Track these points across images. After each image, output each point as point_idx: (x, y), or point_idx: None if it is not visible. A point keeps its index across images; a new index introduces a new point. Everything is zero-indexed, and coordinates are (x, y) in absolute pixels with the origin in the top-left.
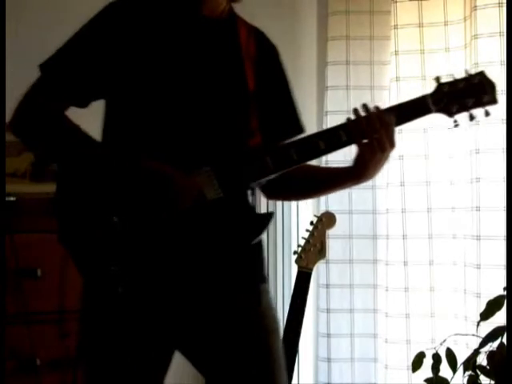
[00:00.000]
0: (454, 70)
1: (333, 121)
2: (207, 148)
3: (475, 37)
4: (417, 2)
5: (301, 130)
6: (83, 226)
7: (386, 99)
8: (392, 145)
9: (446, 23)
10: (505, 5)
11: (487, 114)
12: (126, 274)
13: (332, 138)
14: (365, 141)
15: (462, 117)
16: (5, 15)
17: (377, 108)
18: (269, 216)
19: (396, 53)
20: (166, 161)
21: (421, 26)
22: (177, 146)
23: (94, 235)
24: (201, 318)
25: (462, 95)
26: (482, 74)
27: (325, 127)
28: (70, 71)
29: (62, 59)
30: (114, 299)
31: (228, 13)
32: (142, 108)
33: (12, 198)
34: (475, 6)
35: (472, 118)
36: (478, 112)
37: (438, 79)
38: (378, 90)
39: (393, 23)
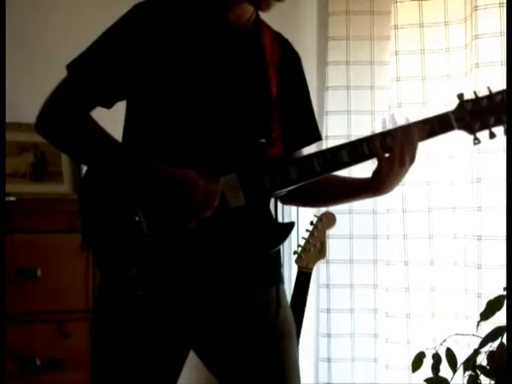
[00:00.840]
0: (455, 70)
1: (333, 121)
2: (229, 154)
3: (476, 37)
4: (417, 2)
5: (318, 137)
6: (107, 228)
7: (387, 99)
8: (412, 160)
9: (446, 23)
10: (505, 5)
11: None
12: (146, 276)
13: (355, 151)
14: (386, 155)
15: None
16: (5, 14)
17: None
18: (290, 225)
19: (396, 53)
20: (187, 165)
21: (421, 26)
22: (199, 150)
23: (117, 237)
24: (217, 320)
25: (484, 113)
26: (504, 93)
27: (325, 127)
28: (96, 72)
29: (88, 60)
30: (134, 301)
31: (254, 20)
32: (166, 112)
33: (12, 198)
34: (476, 6)
35: (492, 135)
36: (498, 130)
37: (460, 96)
38: (378, 90)
39: (393, 23)
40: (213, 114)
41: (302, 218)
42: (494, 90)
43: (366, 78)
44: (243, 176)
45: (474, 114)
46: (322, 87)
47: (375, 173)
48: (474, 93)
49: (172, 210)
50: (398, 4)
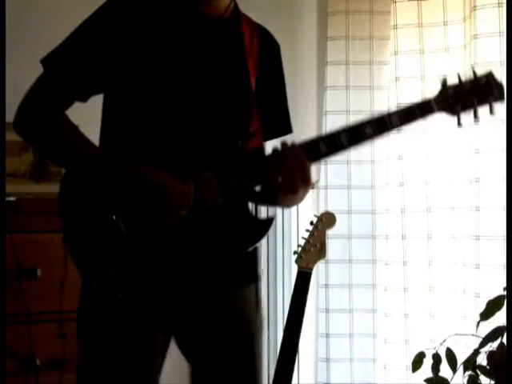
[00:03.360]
0: (454, 70)
1: (332, 121)
2: (208, 150)
3: (475, 37)
4: (416, 2)
5: (290, 130)
6: (85, 231)
7: (386, 99)
8: (305, 183)
9: (445, 23)
10: (504, 5)
11: (492, 111)
12: (125, 278)
13: (356, 134)
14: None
15: (467, 116)
16: (5, 15)
17: (293, 144)
18: (269, 221)
19: (396, 53)
20: (166, 163)
21: (420, 26)
22: (177, 147)
23: (95, 238)
24: (194, 320)
25: (466, 95)
26: (489, 76)
27: (324, 127)
28: (70, 65)
29: (63, 53)
30: (114, 303)
31: (232, 11)
32: (142, 108)
33: (12, 198)
34: (475, 6)
35: (477, 116)
36: (483, 110)
37: (444, 82)
38: (377, 90)
39: (392, 23)
40: (191, 108)
41: (302, 217)
42: (480, 73)
43: (366, 77)
44: (221, 174)
45: (456, 98)
46: (322, 87)
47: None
48: (458, 76)
49: (148, 212)
50: (398, 4)
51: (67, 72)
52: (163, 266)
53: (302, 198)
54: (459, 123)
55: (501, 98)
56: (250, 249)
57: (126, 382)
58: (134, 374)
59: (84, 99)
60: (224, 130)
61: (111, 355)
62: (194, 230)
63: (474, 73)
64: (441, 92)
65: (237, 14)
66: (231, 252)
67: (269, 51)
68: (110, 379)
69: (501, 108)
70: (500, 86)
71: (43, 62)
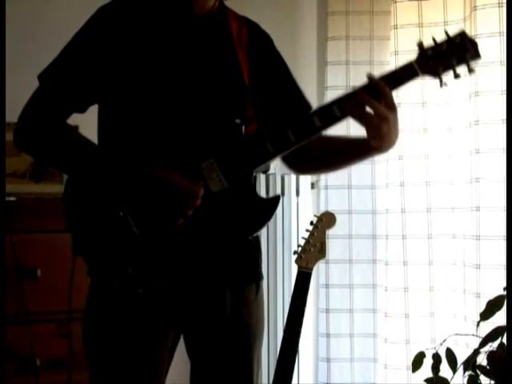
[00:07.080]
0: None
1: None
2: (205, 140)
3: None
4: (417, 2)
5: (309, 105)
6: (95, 232)
7: None
8: (392, 108)
9: (445, 23)
10: (505, 5)
11: (470, 71)
12: (143, 274)
13: (327, 114)
14: (365, 115)
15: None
16: (5, 15)
17: (369, 76)
18: (276, 199)
19: (396, 53)
20: (166, 156)
21: (421, 26)
22: (177, 140)
23: (107, 238)
24: (199, 307)
25: (445, 56)
26: (462, 34)
27: None
28: (67, 79)
29: (58, 67)
30: (133, 299)
31: (218, 8)
32: (140, 108)
33: (12, 198)
34: (475, 6)
35: (456, 76)
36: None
37: (420, 45)
38: None
39: (393, 23)
40: (187, 102)
41: (302, 217)
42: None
43: (366, 78)
44: (221, 159)
45: (435, 59)
46: (322, 87)
47: (367, 136)
48: (433, 39)
49: (157, 210)
50: (398, 4)
51: (65, 85)
52: (176, 258)
53: (395, 132)
54: (441, 84)
55: (477, 56)
56: (264, 226)
57: (140, 380)
58: (146, 371)
59: (83, 110)
60: (220, 117)
61: (125, 353)
62: (204, 219)
63: (447, 33)
64: (420, 54)
65: (224, 10)
66: (244, 235)
67: (259, 39)
68: (125, 376)
69: (501, 107)
70: (474, 42)
71: (40, 77)
